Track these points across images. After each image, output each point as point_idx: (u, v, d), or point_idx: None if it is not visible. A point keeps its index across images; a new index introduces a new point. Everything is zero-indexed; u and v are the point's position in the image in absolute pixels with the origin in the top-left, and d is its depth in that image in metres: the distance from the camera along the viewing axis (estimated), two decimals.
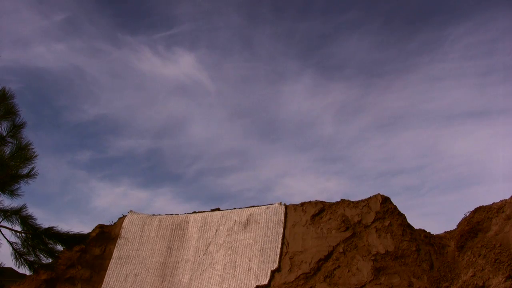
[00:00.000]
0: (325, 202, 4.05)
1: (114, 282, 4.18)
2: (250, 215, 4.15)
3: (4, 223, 4.16)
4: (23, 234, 4.20)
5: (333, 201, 4.05)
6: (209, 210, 4.91)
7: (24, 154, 4.18)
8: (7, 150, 4.16)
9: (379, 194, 3.89)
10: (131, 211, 4.74)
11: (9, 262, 4.34)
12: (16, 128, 4.22)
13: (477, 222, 3.56)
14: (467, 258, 3.38)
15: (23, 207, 4.18)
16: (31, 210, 4.25)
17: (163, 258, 4.20)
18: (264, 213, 4.10)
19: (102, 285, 4.19)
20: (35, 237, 4.23)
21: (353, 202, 3.91)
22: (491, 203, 3.65)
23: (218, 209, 4.94)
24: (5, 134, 4.16)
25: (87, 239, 4.51)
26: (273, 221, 4.04)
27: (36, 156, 4.24)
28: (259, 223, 4.05)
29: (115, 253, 4.38)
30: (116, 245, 4.44)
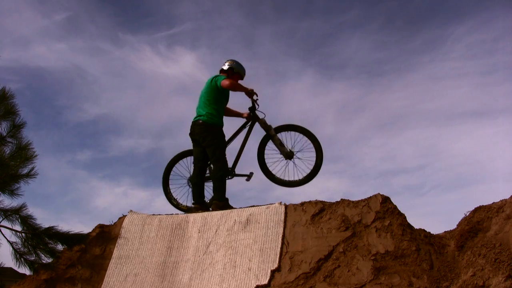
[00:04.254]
0: (325, 201, 4.06)
1: (114, 282, 4.18)
2: (250, 215, 4.15)
3: (4, 223, 4.17)
4: (23, 234, 4.21)
5: (333, 200, 4.06)
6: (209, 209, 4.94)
7: (24, 154, 4.19)
8: (7, 150, 4.17)
9: (379, 193, 3.89)
10: (131, 210, 4.75)
11: (9, 262, 4.35)
12: (16, 128, 4.23)
13: (477, 222, 3.56)
14: (467, 257, 3.37)
15: (23, 206, 4.19)
16: (31, 210, 4.26)
17: (163, 258, 4.20)
18: (264, 213, 4.10)
19: (102, 285, 4.19)
20: (35, 237, 4.23)
21: (353, 201, 3.91)
22: (491, 203, 3.66)
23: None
24: (5, 134, 4.17)
25: (87, 239, 4.51)
26: (273, 221, 4.04)
27: (36, 156, 4.25)
28: (259, 223, 4.05)
29: (115, 253, 4.38)
30: (116, 245, 4.44)
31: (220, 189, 4.61)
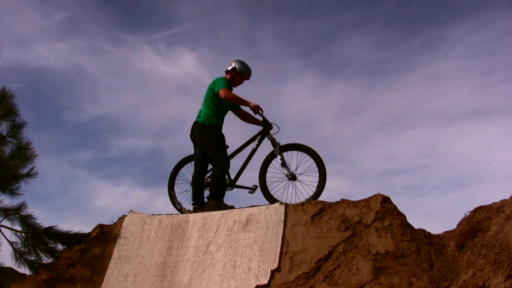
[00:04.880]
0: (325, 202, 4.06)
1: (114, 282, 4.18)
2: (250, 215, 4.15)
3: (4, 223, 4.18)
4: (23, 234, 4.21)
5: (333, 200, 4.06)
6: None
7: (24, 153, 4.19)
8: (7, 150, 4.18)
9: (379, 194, 3.88)
10: (131, 210, 4.75)
11: (9, 262, 4.35)
12: (16, 128, 4.23)
13: (477, 222, 3.55)
14: (467, 258, 3.37)
15: (23, 205, 4.20)
16: (32, 210, 4.27)
17: (163, 258, 4.20)
18: (264, 213, 4.10)
19: (102, 285, 4.19)
20: (35, 237, 4.24)
21: (353, 201, 3.91)
22: (491, 203, 3.66)
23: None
24: (5, 134, 4.17)
25: (87, 238, 4.52)
26: (273, 221, 4.04)
27: (36, 155, 4.26)
28: (259, 223, 4.05)
29: (115, 253, 4.38)
30: (116, 244, 4.44)
31: (215, 187, 4.60)
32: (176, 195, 5.04)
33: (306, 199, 4.39)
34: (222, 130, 4.89)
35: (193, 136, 4.82)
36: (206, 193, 4.82)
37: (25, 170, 4.20)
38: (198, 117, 4.84)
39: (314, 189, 4.46)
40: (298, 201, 4.39)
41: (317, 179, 4.46)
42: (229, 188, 4.81)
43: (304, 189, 4.51)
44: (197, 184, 4.75)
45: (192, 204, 4.78)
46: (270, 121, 4.82)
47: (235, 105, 4.96)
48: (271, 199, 4.55)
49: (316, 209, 3.97)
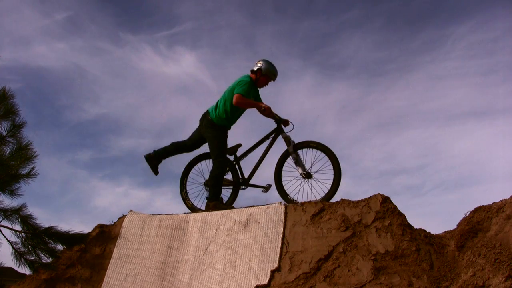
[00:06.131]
0: (325, 201, 4.07)
1: (114, 282, 4.19)
2: (250, 214, 4.15)
3: (4, 223, 4.17)
4: (23, 234, 4.21)
5: (333, 200, 4.06)
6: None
7: (24, 153, 4.18)
8: (7, 150, 4.17)
9: (379, 193, 3.88)
10: (131, 210, 4.75)
11: (9, 262, 4.35)
12: (16, 128, 4.22)
13: (477, 222, 3.56)
14: (467, 258, 3.37)
15: (23, 205, 4.19)
16: (32, 210, 4.26)
17: (163, 258, 4.20)
18: (264, 213, 4.10)
19: (102, 285, 4.19)
20: (35, 237, 4.24)
21: (353, 201, 3.91)
22: (491, 203, 3.66)
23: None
24: (5, 134, 4.16)
25: (87, 238, 4.52)
26: (273, 221, 4.04)
27: (36, 155, 4.25)
28: (259, 222, 4.05)
29: (115, 253, 4.38)
30: (116, 244, 4.44)
31: (212, 188, 4.64)
32: (187, 184, 5.07)
33: (321, 198, 4.34)
34: (233, 127, 4.95)
35: (201, 124, 4.89)
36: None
37: (25, 170, 4.19)
38: (212, 111, 4.81)
39: (329, 187, 4.38)
40: (314, 200, 4.31)
41: (332, 177, 4.39)
42: (243, 187, 4.83)
43: (319, 187, 4.45)
44: (174, 145, 4.98)
45: (154, 150, 5.00)
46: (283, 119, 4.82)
47: None
48: (288, 200, 4.51)
49: (316, 209, 3.97)
